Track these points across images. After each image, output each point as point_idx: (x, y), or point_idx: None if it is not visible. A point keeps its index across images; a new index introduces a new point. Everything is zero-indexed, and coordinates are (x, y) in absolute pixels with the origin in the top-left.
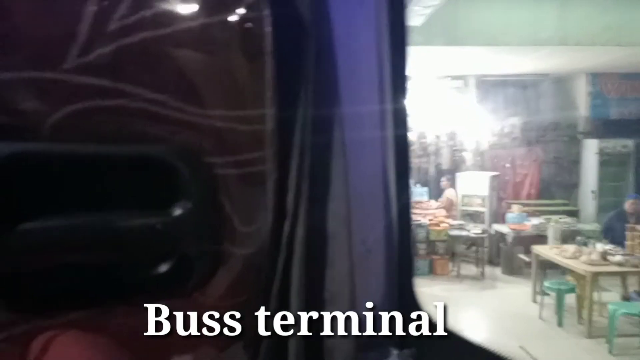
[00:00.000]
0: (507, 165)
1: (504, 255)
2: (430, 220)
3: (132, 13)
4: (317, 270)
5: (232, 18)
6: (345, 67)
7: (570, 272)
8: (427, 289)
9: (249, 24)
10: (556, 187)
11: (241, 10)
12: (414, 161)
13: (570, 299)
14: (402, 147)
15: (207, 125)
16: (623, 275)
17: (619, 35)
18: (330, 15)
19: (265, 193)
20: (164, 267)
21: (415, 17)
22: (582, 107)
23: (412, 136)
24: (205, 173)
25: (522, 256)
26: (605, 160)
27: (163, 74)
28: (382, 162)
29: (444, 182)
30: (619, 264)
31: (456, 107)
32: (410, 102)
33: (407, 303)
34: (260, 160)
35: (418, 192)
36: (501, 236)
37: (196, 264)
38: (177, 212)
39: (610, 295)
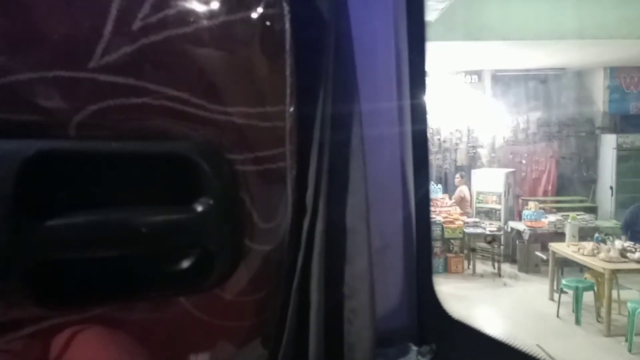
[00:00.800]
0: (524, 161)
1: (521, 253)
2: (445, 217)
3: (155, 12)
4: (337, 266)
5: (253, 16)
6: (364, 63)
7: (588, 269)
8: (442, 287)
9: (269, 22)
10: (574, 183)
11: (261, 8)
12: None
13: (588, 297)
14: (420, 142)
15: (227, 122)
16: None
17: (637, 28)
18: (349, 12)
19: (285, 189)
20: (185, 263)
21: (429, 12)
22: (600, 102)
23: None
24: (226, 169)
25: (539, 254)
26: (624, 156)
27: (185, 72)
28: (401, 157)
29: (457, 178)
30: (639, 261)
31: (471, 103)
32: (428, 98)
33: (426, 298)
34: (280, 157)
35: (432, 190)
36: (517, 233)
37: (217, 260)
38: (199, 207)
39: (630, 293)
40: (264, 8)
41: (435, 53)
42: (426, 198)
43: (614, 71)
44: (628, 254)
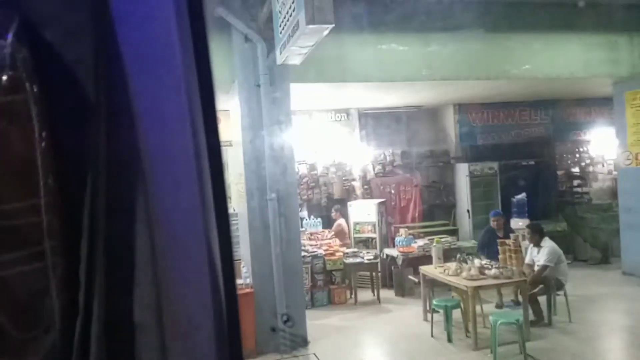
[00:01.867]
0: (392, 191)
1: (396, 278)
2: (326, 250)
3: None
4: None
5: None
6: (151, 130)
7: (454, 288)
8: (326, 320)
9: (13, 105)
10: (436, 209)
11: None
12: (306, 193)
13: (457, 314)
14: (222, 208)
15: None
16: (499, 287)
17: (477, 70)
18: (129, 73)
19: (48, 290)
20: None
21: (294, 56)
22: (453, 135)
23: (303, 168)
24: None
25: (411, 277)
26: (475, 182)
27: None
28: (202, 226)
29: (334, 212)
30: (495, 277)
31: (342, 139)
32: (300, 136)
33: None
34: (37, 256)
35: (312, 223)
36: (392, 259)
37: None
38: None
39: (491, 307)
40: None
41: (303, 93)
42: (232, 264)
43: (462, 108)
44: (486, 271)
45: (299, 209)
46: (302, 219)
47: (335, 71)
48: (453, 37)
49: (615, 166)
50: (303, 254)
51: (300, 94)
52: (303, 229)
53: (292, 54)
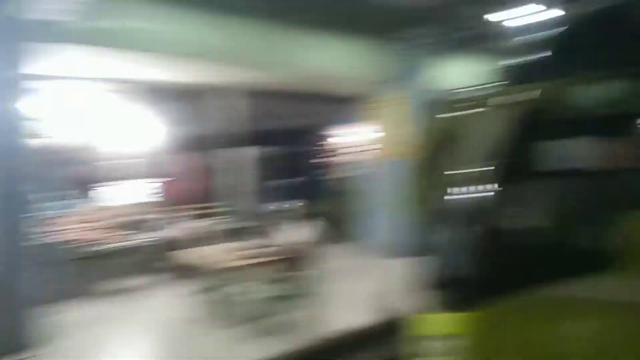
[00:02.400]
0: (173, 171)
1: (169, 261)
2: (90, 236)
3: None
4: None
5: None
6: None
7: (225, 269)
8: (84, 313)
9: None
10: (218, 190)
11: None
12: (66, 172)
13: (224, 294)
14: None
15: None
16: (262, 265)
17: (247, 57)
18: None
19: None
20: None
21: (62, 13)
22: (242, 119)
23: (62, 144)
24: None
25: (185, 260)
26: (260, 165)
27: None
28: None
29: (101, 192)
30: (259, 256)
31: (115, 112)
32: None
33: None
34: None
35: (72, 204)
36: (169, 242)
37: None
38: None
39: (256, 285)
40: None
41: (73, 57)
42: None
43: (250, 93)
44: (254, 251)
45: (48, 191)
46: (62, 200)
47: (104, 35)
48: (230, 21)
49: (366, 158)
50: (60, 241)
51: (68, 58)
52: (55, 212)
53: (60, 11)
